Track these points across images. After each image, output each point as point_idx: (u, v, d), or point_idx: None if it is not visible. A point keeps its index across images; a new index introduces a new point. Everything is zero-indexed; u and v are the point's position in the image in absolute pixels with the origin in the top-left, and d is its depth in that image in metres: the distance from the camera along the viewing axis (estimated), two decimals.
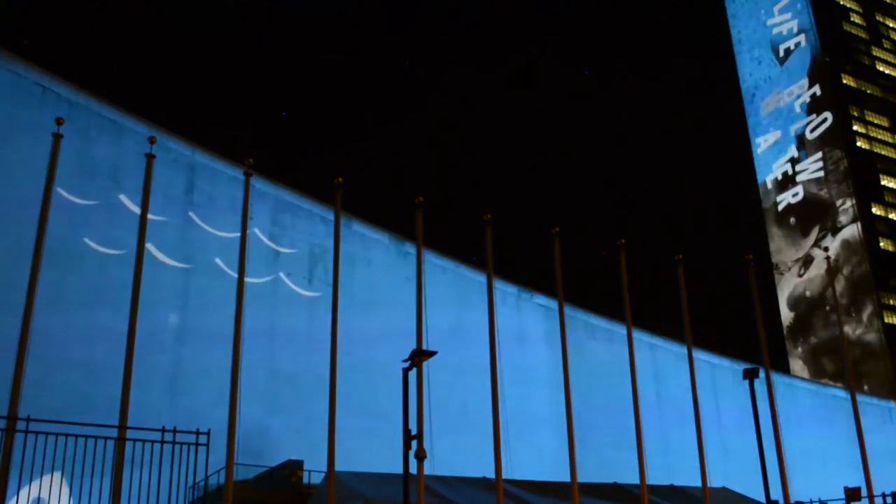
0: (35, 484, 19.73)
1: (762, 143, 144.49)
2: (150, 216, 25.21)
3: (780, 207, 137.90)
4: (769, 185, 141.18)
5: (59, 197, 29.46)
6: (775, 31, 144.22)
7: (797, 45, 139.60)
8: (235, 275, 25.32)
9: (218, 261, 35.81)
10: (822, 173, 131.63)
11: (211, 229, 36.41)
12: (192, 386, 33.63)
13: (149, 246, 30.27)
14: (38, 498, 21.08)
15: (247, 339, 23.66)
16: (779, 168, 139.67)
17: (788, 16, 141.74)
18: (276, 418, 35.11)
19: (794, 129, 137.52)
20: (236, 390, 22.30)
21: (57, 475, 18.53)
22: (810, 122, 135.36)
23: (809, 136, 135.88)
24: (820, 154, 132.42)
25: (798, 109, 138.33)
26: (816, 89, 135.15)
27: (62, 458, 17.83)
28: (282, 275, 38.08)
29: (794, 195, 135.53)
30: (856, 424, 31.91)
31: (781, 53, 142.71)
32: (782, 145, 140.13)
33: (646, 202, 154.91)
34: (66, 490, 19.52)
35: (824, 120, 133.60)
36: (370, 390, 34.70)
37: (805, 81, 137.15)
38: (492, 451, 25.29)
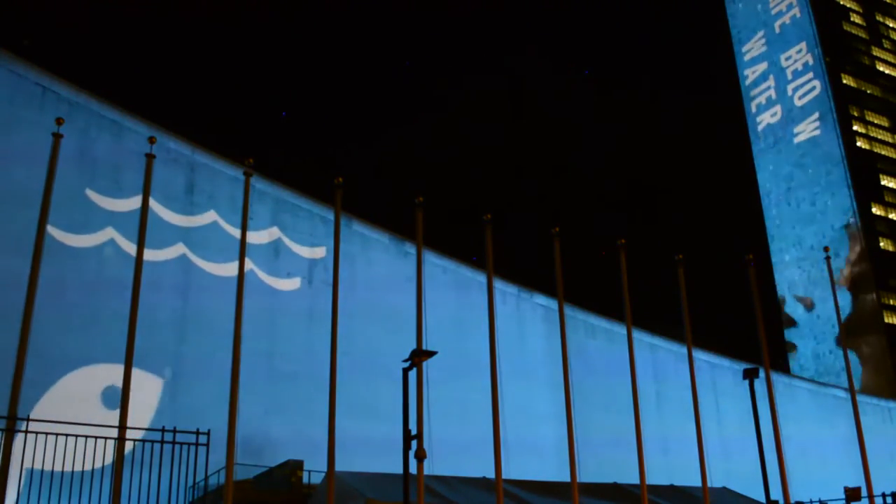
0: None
1: (750, 74, 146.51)
2: (158, 217, 25.20)
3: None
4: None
5: (60, 197, 29.46)
6: (774, 11, 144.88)
7: (792, 17, 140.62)
8: (234, 274, 25.34)
9: (216, 260, 35.82)
10: (819, 132, 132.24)
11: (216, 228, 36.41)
12: (192, 386, 33.61)
13: (148, 245, 30.23)
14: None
15: (247, 338, 23.64)
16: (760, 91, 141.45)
17: None
18: (276, 418, 35.10)
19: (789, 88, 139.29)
20: (236, 390, 22.29)
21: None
22: (800, 85, 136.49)
23: (798, 102, 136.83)
24: (817, 114, 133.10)
25: (790, 76, 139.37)
26: (809, 58, 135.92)
27: (62, 458, 17.83)
28: (281, 274, 38.07)
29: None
30: (856, 424, 31.89)
31: (778, 30, 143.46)
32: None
33: (646, 202, 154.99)
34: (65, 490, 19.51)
35: (813, 88, 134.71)
36: (370, 390, 34.69)
37: (803, 45, 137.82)
38: (492, 451, 25.28)
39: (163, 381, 34.15)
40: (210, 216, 36.71)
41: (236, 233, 35.85)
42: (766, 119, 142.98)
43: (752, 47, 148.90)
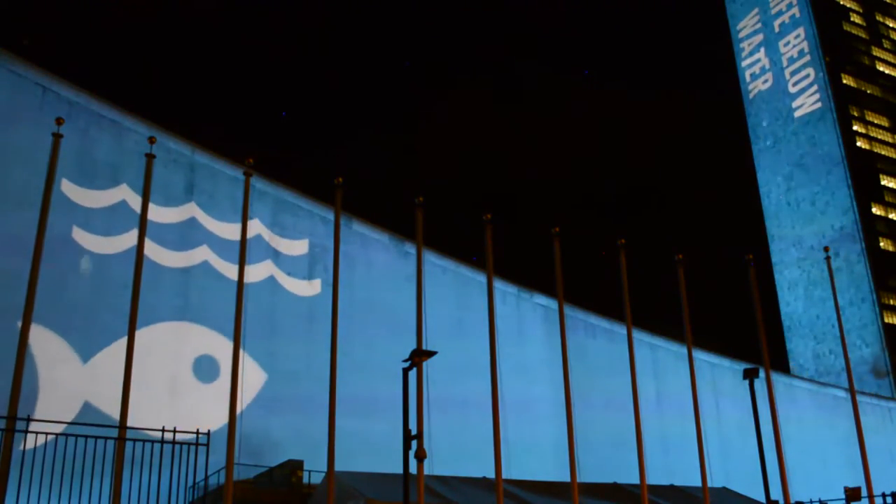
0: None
1: (745, 47, 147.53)
2: (150, 217, 25.21)
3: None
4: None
5: (61, 196, 29.48)
6: (774, 10, 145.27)
7: (792, 17, 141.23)
8: (235, 275, 25.35)
9: (217, 260, 35.81)
10: (818, 105, 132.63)
11: (211, 229, 36.40)
12: (192, 385, 33.62)
13: (149, 245, 30.25)
14: None
15: (247, 338, 23.63)
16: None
17: None
18: (276, 418, 35.10)
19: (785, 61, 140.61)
20: (236, 390, 22.29)
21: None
22: (796, 70, 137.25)
23: (792, 89, 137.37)
24: (816, 87, 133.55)
25: (785, 63, 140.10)
26: (805, 45, 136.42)
27: (62, 458, 17.82)
28: (282, 274, 38.05)
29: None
30: (856, 424, 31.88)
31: (777, 29, 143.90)
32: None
33: (646, 202, 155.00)
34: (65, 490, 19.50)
35: (806, 74, 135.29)
36: (370, 390, 34.69)
37: (801, 30, 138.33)
38: (492, 451, 25.27)
39: (265, 377, 35.28)
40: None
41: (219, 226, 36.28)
42: (759, 85, 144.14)
43: (746, 24, 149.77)
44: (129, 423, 20.55)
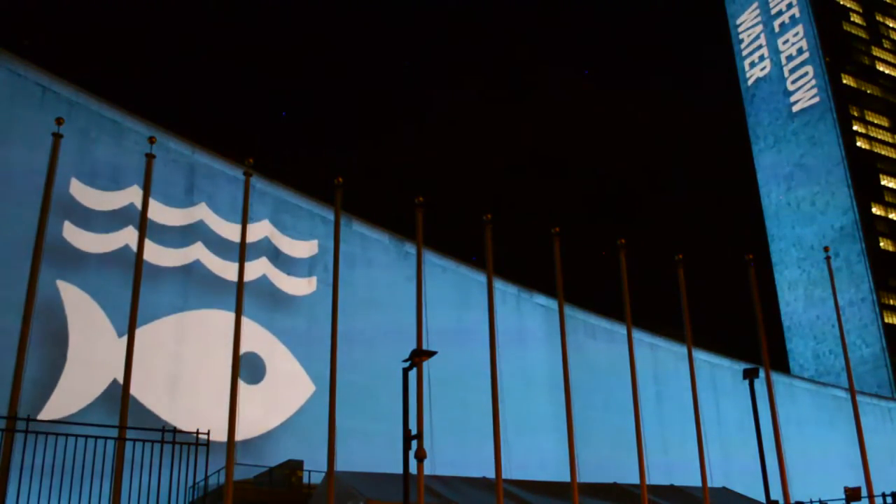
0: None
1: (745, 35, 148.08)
2: (150, 217, 25.21)
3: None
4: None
5: (61, 196, 29.45)
6: (774, 10, 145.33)
7: (791, 17, 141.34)
8: (235, 275, 25.35)
9: (218, 260, 35.80)
10: (816, 99, 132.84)
11: (211, 228, 36.38)
12: (192, 386, 33.60)
13: (149, 245, 30.25)
14: None
15: (247, 338, 23.64)
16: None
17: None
18: (276, 418, 35.09)
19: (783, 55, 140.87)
20: (236, 390, 22.29)
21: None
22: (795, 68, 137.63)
23: (791, 86, 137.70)
24: (814, 82, 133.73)
25: (784, 61, 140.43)
26: (803, 43, 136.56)
27: (62, 458, 17.82)
28: (281, 274, 38.02)
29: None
30: (856, 424, 31.88)
31: (777, 29, 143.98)
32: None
33: (646, 202, 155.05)
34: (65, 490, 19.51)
35: (805, 72, 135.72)
36: (370, 390, 34.69)
37: (800, 28, 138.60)
38: (492, 451, 25.27)
39: (314, 390, 35.41)
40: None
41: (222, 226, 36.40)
42: (756, 72, 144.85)
43: (746, 23, 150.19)
44: (186, 423, 20.52)
